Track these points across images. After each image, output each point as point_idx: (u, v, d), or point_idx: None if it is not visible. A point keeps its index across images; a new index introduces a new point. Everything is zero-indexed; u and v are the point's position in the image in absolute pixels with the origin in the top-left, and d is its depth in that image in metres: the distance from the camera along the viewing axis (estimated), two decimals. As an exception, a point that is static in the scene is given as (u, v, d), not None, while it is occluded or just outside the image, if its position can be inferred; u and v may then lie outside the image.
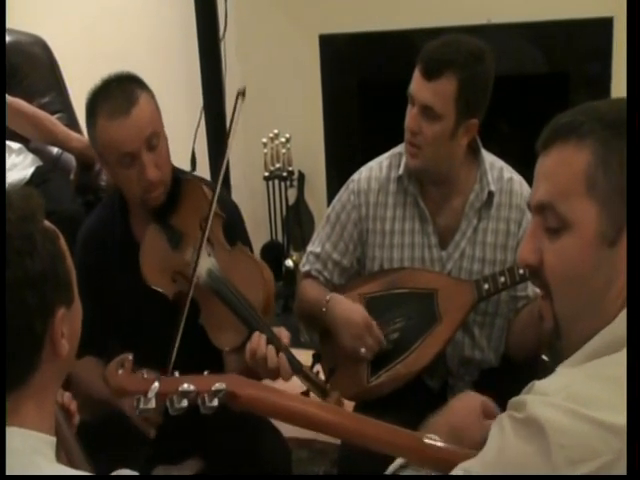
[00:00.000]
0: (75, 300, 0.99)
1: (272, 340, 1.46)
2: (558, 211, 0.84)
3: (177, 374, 0.94)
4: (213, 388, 0.91)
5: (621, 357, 0.76)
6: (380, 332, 1.64)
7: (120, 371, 0.97)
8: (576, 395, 0.73)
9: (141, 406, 0.92)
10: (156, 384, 0.92)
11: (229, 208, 1.69)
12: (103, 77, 1.60)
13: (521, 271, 1.58)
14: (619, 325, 0.80)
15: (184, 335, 1.52)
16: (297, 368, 1.43)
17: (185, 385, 0.90)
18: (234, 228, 1.69)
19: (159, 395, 0.92)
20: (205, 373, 0.97)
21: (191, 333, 1.54)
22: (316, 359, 1.33)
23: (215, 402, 0.91)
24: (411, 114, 1.61)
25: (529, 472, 0.73)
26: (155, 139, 1.57)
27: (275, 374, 1.43)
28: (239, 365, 1.51)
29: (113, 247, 1.70)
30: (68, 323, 0.95)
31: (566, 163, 0.84)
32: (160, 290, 1.60)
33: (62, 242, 0.96)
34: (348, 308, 1.67)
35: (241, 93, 1.59)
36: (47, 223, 0.95)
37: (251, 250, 1.75)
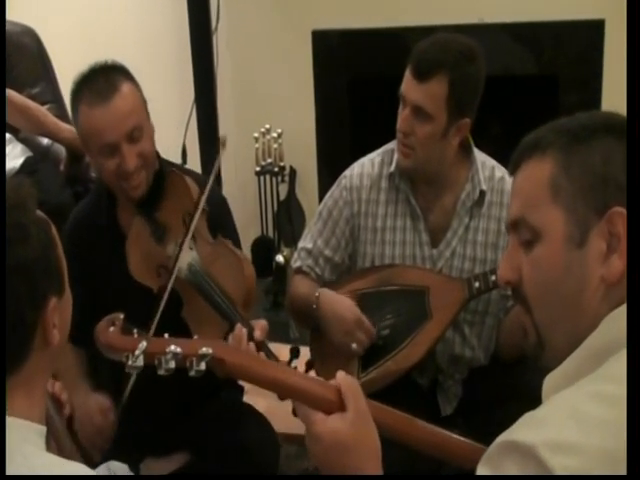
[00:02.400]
0: (66, 291, 0.99)
1: (250, 335, 1.45)
2: (529, 223, 0.86)
3: (167, 336, 0.95)
4: (200, 352, 0.92)
5: (618, 370, 0.75)
6: (371, 326, 1.64)
7: (111, 329, 0.98)
8: (580, 416, 0.72)
9: (129, 363, 0.93)
10: (144, 343, 0.93)
11: (214, 200, 1.68)
12: (90, 65, 1.59)
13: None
14: (603, 332, 0.80)
15: (167, 329, 1.51)
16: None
17: (172, 347, 0.92)
18: (218, 220, 1.68)
19: (147, 355, 0.93)
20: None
21: (173, 327, 1.53)
22: (294, 354, 1.33)
23: (202, 366, 0.93)
24: (403, 115, 1.61)
25: None
26: (137, 132, 1.56)
27: None
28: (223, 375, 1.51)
29: (99, 236, 1.69)
30: (59, 313, 0.95)
31: (531, 177, 0.87)
32: (145, 284, 1.60)
33: (54, 232, 0.97)
34: (338, 304, 1.67)
35: (222, 143, 1.58)
36: (39, 212, 0.95)
37: (238, 243, 1.75)
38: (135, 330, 0.97)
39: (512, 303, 1.71)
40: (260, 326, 1.47)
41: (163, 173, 1.66)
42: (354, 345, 1.63)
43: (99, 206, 1.71)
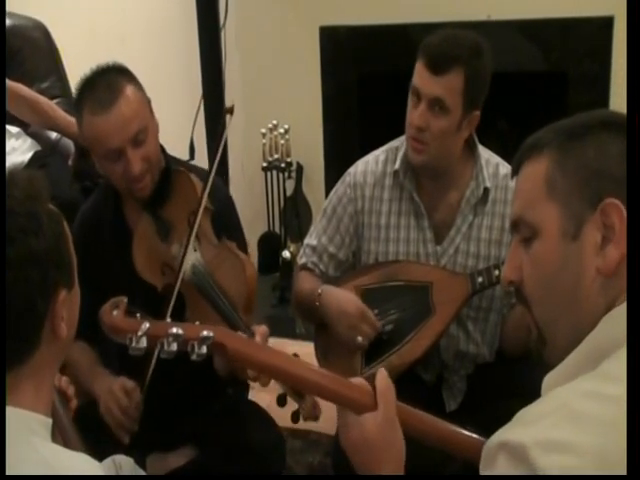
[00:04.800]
0: (75, 285, 1.00)
1: (249, 334, 1.43)
2: (527, 220, 0.88)
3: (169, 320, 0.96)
4: (201, 335, 0.93)
5: (616, 370, 0.76)
6: (375, 318, 1.65)
7: (115, 312, 1.00)
8: (574, 415, 0.72)
9: (133, 345, 0.95)
10: (146, 325, 0.95)
11: (220, 199, 1.68)
12: (91, 68, 1.59)
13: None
14: (601, 332, 0.81)
15: None
16: None
17: (174, 329, 0.93)
18: (223, 220, 1.68)
19: (150, 337, 0.94)
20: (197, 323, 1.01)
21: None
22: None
23: (204, 350, 0.94)
24: (418, 110, 1.60)
25: None
26: (142, 134, 1.56)
27: (254, 379, 1.41)
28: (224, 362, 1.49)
29: (106, 233, 1.70)
30: (68, 307, 0.96)
31: (529, 176, 0.89)
32: (150, 281, 1.61)
33: (65, 225, 0.98)
34: (341, 299, 1.68)
35: (229, 111, 1.56)
36: (51, 205, 0.96)
37: (244, 243, 1.74)
38: (138, 314, 0.98)
39: (515, 300, 1.72)
40: (261, 332, 1.45)
41: (169, 171, 1.66)
42: (359, 338, 1.63)
43: (105, 203, 1.72)
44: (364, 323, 1.64)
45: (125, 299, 1.01)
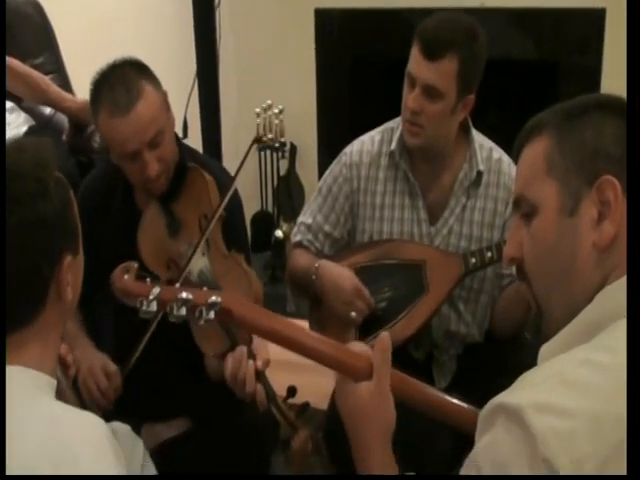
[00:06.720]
0: (80, 252, 1.02)
1: (251, 356, 1.45)
2: (527, 198, 0.91)
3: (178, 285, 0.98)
4: (209, 300, 0.95)
5: (610, 341, 0.79)
6: (369, 296, 1.68)
7: (126, 276, 1.02)
8: (568, 381, 0.75)
9: (143, 308, 0.96)
10: (157, 288, 0.97)
11: (232, 205, 1.67)
12: (108, 63, 1.55)
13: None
14: (596, 306, 0.84)
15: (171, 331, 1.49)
16: (271, 397, 1.39)
17: (184, 294, 0.95)
18: (234, 229, 1.69)
19: (160, 301, 0.96)
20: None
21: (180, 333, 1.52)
22: (291, 393, 1.33)
23: (211, 315, 0.95)
24: (413, 95, 1.62)
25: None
26: (159, 137, 1.54)
27: (250, 398, 1.43)
28: (219, 370, 1.51)
29: (113, 211, 1.69)
30: (73, 272, 0.98)
31: (529, 156, 0.92)
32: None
33: (71, 193, 0.99)
34: (337, 274, 1.70)
35: (256, 140, 1.60)
36: (58, 173, 0.98)
37: (249, 255, 1.73)
38: (148, 278, 1.00)
39: (507, 282, 1.75)
40: (263, 358, 1.45)
41: (184, 167, 1.65)
42: (353, 314, 1.66)
43: (114, 183, 1.70)
44: (359, 300, 1.66)
45: (136, 264, 1.03)
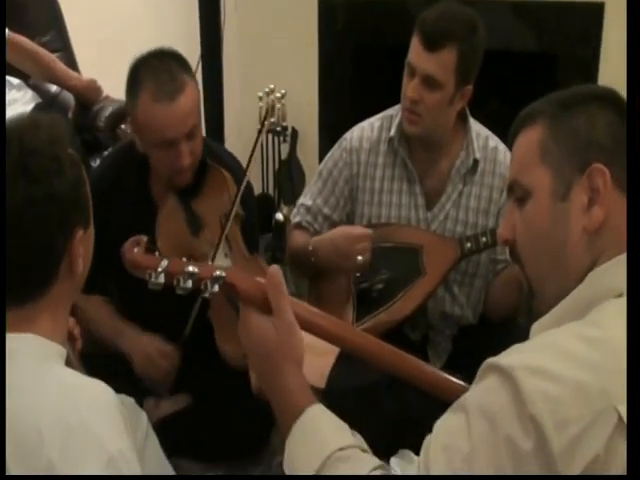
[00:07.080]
0: (91, 226, 1.06)
1: None
2: (521, 183, 0.95)
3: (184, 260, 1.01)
4: (214, 274, 0.98)
5: (599, 316, 0.83)
6: (365, 229, 1.72)
7: (136, 249, 1.04)
8: (560, 350, 0.78)
9: (152, 280, 0.99)
10: (165, 261, 0.99)
11: (248, 204, 1.69)
12: (149, 51, 1.58)
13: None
14: (588, 285, 0.88)
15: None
16: None
17: (191, 267, 0.98)
18: (251, 229, 1.72)
19: (167, 273, 0.99)
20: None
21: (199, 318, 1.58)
22: None
23: (216, 288, 0.99)
24: (412, 85, 1.65)
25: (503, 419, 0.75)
26: (196, 129, 1.58)
27: None
28: (236, 356, 1.54)
29: (127, 199, 1.70)
30: (84, 244, 1.02)
31: (524, 143, 0.96)
32: None
33: (83, 170, 1.03)
34: (329, 235, 1.75)
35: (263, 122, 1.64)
36: (71, 150, 1.01)
37: (257, 246, 1.77)
38: (157, 252, 1.03)
39: (501, 267, 1.79)
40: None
41: (205, 164, 1.68)
42: (359, 258, 1.68)
43: (129, 169, 1.71)
44: (358, 242, 1.68)
45: (145, 238, 1.06)
